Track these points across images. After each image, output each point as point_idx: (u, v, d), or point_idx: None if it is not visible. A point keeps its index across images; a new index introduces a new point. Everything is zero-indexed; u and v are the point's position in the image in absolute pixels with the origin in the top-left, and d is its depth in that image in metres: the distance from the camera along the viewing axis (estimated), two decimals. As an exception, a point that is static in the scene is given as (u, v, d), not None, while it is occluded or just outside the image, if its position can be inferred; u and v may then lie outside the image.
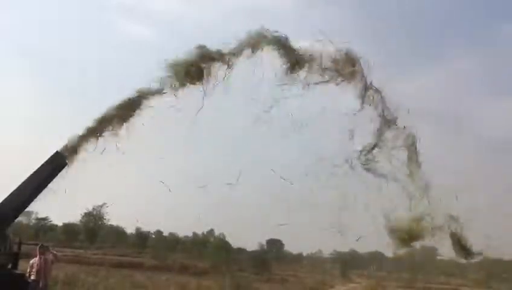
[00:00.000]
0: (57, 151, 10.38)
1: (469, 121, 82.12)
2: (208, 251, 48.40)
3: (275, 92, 9.60)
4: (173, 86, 9.96)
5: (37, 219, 57.71)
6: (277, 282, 34.02)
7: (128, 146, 10.41)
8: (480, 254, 9.24)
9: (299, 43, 9.69)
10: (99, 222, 56.39)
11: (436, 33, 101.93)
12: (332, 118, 9.67)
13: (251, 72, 9.59)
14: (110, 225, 56.94)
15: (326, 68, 9.55)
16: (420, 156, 9.29)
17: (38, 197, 10.37)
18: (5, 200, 10.10)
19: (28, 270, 11.26)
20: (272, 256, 53.77)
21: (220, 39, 9.81)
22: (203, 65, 9.84)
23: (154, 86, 10.07)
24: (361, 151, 9.50)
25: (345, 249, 57.48)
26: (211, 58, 9.85)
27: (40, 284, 11.14)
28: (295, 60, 9.61)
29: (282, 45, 9.65)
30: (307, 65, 9.62)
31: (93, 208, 54.92)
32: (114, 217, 58.55)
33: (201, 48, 9.84)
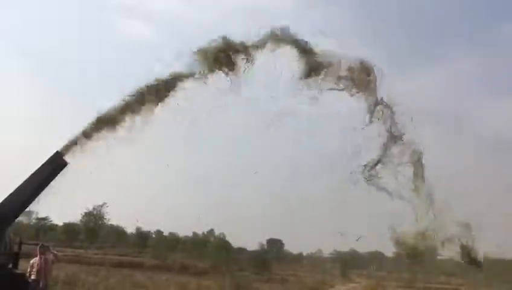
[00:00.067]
0: (57, 151, 10.39)
1: (469, 121, 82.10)
2: (208, 251, 48.39)
3: (289, 93, 9.71)
4: (202, 71, 9.97)
5: (38, 218, 57.74)
6: (277, 282, 34.02)
7: (139, 141, 10.42)
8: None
9: (319, 46, 9.72)
10: (100, 222, 56.40)
11: (436, 33, 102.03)
12: (341, 125, 9.70)
13: (270, 69, 9.71)
14: (111, 224, 57.03)
15: (342, 76, 9.64)
16: (425, 172, 9.35)
17: (38, 197, 10.38)
18: (6, 200, 10.11)
19: (29, 270, 11.26)
20: (272, 256, 53.76)
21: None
22: (231, 54, 9.89)
23: (185, 70, 10.05)
24: (365, 166, 9.55)
25: (345, 248, 57.61)
26: (236, 49, 9.88)
27: (41, 284, 11.14)
28: (313, 66, 9.67)
29: (303, 49, 9.71)
30: (324, 71, 9.68)
31: (94, 208, 55.05)
32: (114, 217, 58.71)
33: (225, 38, 9.86)
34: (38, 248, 11.65)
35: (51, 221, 59.49)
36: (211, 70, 9.93)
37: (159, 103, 10.10)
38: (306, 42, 9.69)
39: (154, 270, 33.05)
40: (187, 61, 9.94)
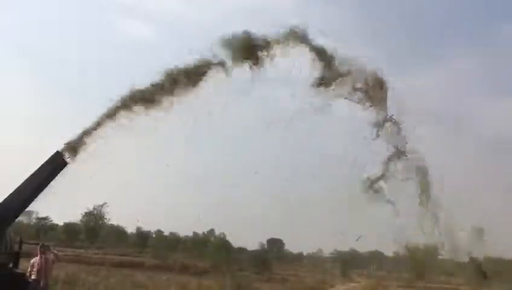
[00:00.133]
0: (57, 151, 10.40)
1: (469, 121, 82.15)
2: (208, 251, 48.38)
3: (301, 95, 9.70)
4: (228, 63, 9.96)
5: (38, 218, 57.88)
6: (277, 282, 34.02)
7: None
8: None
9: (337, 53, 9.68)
10: (100, 222, 56.45)
11: (436, 33, 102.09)
12: (345, 130, 9.69)
13: (284, 68, 9.71)
14: (111, 224, 57.08)
15: (357, 88, 9.64)
16: (432, 188, 9.33)
17: (38, 196, 10.39)
18: (6, 199, 10.12)
19: (29, 270, 11.27)
20: (272, 256, 53.77)
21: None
22: (256, 48, 9.89)
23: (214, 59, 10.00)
24: (367, 179, 9.55)
25: (345, 248, 57.64)
26: (259, 44, 9.87)
27: (41, 284, 11.15)
28: (329, 75, 9.67)
29: (321, 54, 9.69)
30: (339, 80, 9.67)
31: (94, 208, 55.10)
32: (114, 217, 58.73)
33: (248, 32, 9.84)
34: (38, 247, 11.66)
35: (51, 221, 59.69)
36: (237, 62, 9.92)
37: (191, 87, 10.08)
38: (325, 48, 9.67)
39: (155, 270, 33.07)
40: (212, 51, 9.92)
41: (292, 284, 32.51)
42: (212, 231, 61.16)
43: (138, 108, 10.18)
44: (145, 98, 10.11)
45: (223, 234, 57.04)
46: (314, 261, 63.64)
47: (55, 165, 10.32)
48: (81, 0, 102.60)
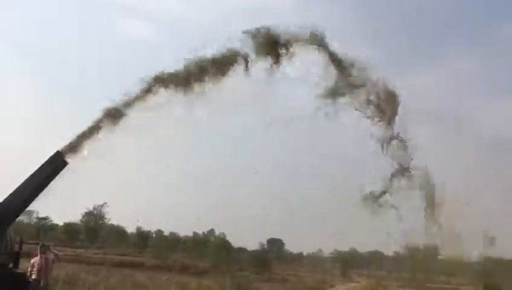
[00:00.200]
0: (57, 151, 10.40)
1: (469, 121, 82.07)
2: (208, 251, 48.40)
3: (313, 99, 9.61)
4: (252, 57, 9.90)
5: (38, 218, 57.88)
6: (277, 282, 34.01)
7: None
8: None
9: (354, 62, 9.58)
10: (100, 222, 56.47)
11: (436, 33, 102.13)
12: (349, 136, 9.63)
13: (297, 69, 9.69)
14: (111, 224, 57.11)
15: (370, 101, 9.58)
16: (438, 202, 9.28)
17: (39, 196, 10.39)
18: (6, 199, 10.12)
19: (29, 270, 11.26)
20: (272, 256, 53.80)
21: (220, 39, 9.85)
22: (277, 45, 9.81)
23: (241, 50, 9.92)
24: (370, 194, 9.52)
25: (345, 248, 57.70)
26: (281, 42, 9.80)
27: (41, 284, 11.14)
28: (344, 86, 9.60)
29: (340, 64, 9.60)
30: (354, 92, 9.62)
31: (94, 208, 55.12)
32: (115, 217, 58.76)
33: (270, 28, 9.75)
34: (38, 247, 11.65)
35: (51, 221, 59.72)
36: (260, 57, 9.85)
37: (220, 77, 10.01)
38: (343, 56, 9.60)
39: (155, 270, 33.07)
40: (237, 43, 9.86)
41: (292, 284, 32.50)
42: (212, 231, 61.25)
43: (164, 91, 10.10)
44: (173, 81, 10.03)
45: (223, 234, 57.17)
46: (314, 261, 63.65)
47: (55, 165, 10.32)
48: (81, 0, 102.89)
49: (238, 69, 10.01)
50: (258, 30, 9.73)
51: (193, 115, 10.17)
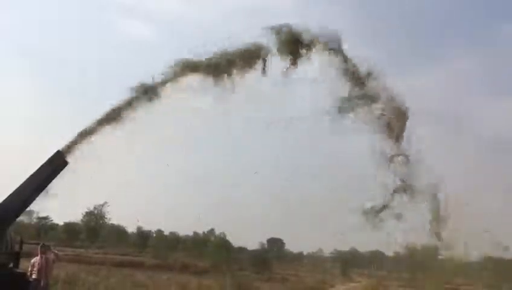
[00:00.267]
0: (58, 151, 10.40)
1: (469, 121, 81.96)
2: (208, 250, 48.41)
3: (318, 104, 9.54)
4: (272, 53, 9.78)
5: (38, 218, 57.82)
6: (278, 281, 34.01)
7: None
8: None
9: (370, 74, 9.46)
10: (100, 221, 56.49)
11: (436, 33, 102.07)
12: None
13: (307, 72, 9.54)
14: (111, 224, 57.12)
15: (381, 117, 9.48)
16: (444, 215, 9.23)
17: (39, 196, 10.40)
18: (6, 199, 10.13)
19: (29, 270, 11.27)
20: (272, 255, 53.82)
21: (220, 39, 9.80)
22: (300, 44, 9.69)
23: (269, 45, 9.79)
24: (371, 209, 9.49)
25: (345, 248, 57.66)
26: (303, 42, 9.66)
27: (41, 283, 11.15)
28: (359, 97, 9.48)
29: (355, 75, 9.47)
30: (366, 105, 9.50)
31: (94, 208, 55.15)
32: (115, 217, 58.77)
33: (291, 26, 9.61)
34: (39, 247, 11.66)
35: (51, 220, 59.71)
36: (282, 54, 9.71)
37: (248, 69, 9.92)
38: (359, 68, 9.47)
39: (155, 269, 33.08)
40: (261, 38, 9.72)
41: (292, 284, 32.50)
42: (212, 230, 61.25)
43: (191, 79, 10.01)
44: (203, 69, 9.93)
45: (223, 233, 57.14)
46: (315, 260, 63.63)
47: (55, 165, 10.32)
48: (81, 0, 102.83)
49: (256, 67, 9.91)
50: (282, 27, 9.59)
51: (213, 108, 10.02)
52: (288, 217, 64.75)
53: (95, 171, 10.78)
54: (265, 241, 64.98)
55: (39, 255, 11.40)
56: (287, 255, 66.06)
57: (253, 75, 9.98)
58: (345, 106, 9.52)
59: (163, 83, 10.11)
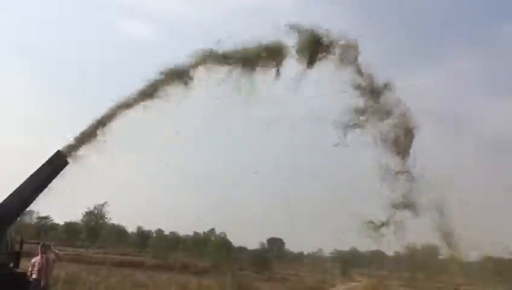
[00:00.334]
0: (58, 151, 10.41)
1: (469, 121, 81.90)
2: (208, 250, 48.45)
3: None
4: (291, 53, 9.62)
5: (39, 218, 57.90)
6: (278, 281, 34.01)
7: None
8: None
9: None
10: (101, 221, 56.53)
11: (436, 33, 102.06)
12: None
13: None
14: (111, 224, 57.16)
15: (389, 132, 9.35)
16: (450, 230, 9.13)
17: (39, 196, 10.40)
18: (7, 199, 10.13)
19: (30, 269, 11.27)
20: (272, 255, 53.84)
21: (219, 39, 9.75)
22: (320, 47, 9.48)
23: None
24: (371, 223, 9.46)
25: (345, 248, 57.64)
26: (324, 44, 9.47)
27: (42, 283, 11.15)
28: (371, 111, 9.32)
29: (370, 88, 9.31)
30: (380, 119, 9.34)
31: (95, 207, 55.19)
32: (115, 216, 58.78)
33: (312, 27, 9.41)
34: (39, 247, 11.66)
35: (52, 220, 59.78)
36: (301, 55, 9.52)
37: (275, 66, 9.72)
38: (375, 81, 9.30)
39: (155, 269, 33.08)
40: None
41: (292, 284, 32.50)
42: (212, 230, 61.26)
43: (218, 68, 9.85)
44: (230, 60, 9.75)
45: (224, 233, 57.17)
46: (315, 260, 63.64)
47: (55, 165, 10.33)
48: (81, 0, 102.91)
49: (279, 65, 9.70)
50: (303, 27, 9.39)
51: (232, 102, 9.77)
52: (289, 217, 64.76)
53: (95, 170, 10.78)
54: (265, 241, 65.09)
55: (39, 255, 11.40)
56: (287, 255, 66.08)
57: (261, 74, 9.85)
58: (354, 119, 9.37)
59: (196, 65, 9.87)
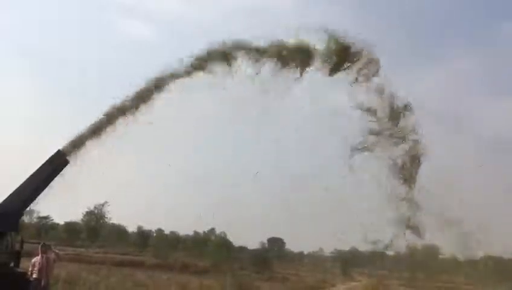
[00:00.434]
0: (58, 150, 10.42)
1: (469, 121, 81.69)
2: (209, 250, 48.44)
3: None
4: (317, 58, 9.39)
5: (39, 217, 57.90)
6: (278, 281, 34.00)
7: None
8: None
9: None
10: (101, 221, 56.54)
11: (436, 33, 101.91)
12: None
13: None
14: (112, 223, 57.16)
15: (398, 157, 9.13)
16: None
17: (40, 195, 10.41)
18: (7, 199, 10.15)
19: (30, 269, 11.28)
20: (273, 255, 53.81)
21: (219, 39, 9.73)
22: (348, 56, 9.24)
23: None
24: (376, 242, 9.48)
25: (345, 247, 57.61)
26: (352, 53, 9.25)
27: (42, 283, 11.16)
28: (388, 135, 9.04)
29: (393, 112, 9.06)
30: (394, 144, 9.09)
31: (95, 207, 55.19)
32: (115, 216, 58.79)
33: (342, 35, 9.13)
34: (39, 246, 11.66)
35: (52, 220, 59.79)
36: (328, 60, 9.29)
37: (303, 68, 9.53)
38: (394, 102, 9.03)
39: (155, 269, 33.09)
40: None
41: (293, 284, 32.49)
42: (212, 230, 61.24)
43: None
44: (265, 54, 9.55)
45: (224, 233, 57.14)
46: (315, 260, 63.63)
47: (55, 165, 10.34)
48: (81, 0, 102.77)
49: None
50: (334, 32, 9.17)
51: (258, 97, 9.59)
52: (289, 216, 64.73)
53: (95, 170, 10.80)
54: (265, 241, 64.98)
55: (40, 255, 11.40)
56: (288, 254, 66.04)
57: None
58: (364, 142, 9.16)
59: (238, 48, 9.73)
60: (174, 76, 9.88)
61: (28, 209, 11.63)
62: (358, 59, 9.20)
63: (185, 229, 60.31)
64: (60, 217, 58.17)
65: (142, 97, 10.12)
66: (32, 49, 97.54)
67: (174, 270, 33.56)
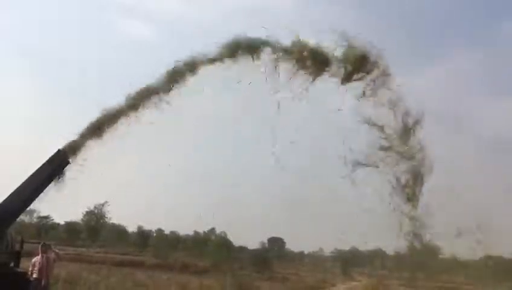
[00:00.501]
0: (58, 150, 10.42)
1: (469, 121, 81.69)
2: (209, 250, 48.44)
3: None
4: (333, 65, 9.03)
5: (39, 217, 57.94)
6: (278, 281, 33.98)
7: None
8: None
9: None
10: (101, 221, 56.57)
11: (436, 33, 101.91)
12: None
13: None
14: (112, 223, 57.19)
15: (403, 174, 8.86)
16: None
17: (40, 196, 10.41)
18: (6, 199, 10.15)
19: (30, 269, 11.29)
20: (273, 255, 53.81)
21: (219, 39, 9.70)
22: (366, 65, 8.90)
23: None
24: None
25: (345, 247, 57.66)
26: (369, 63, 8.88)
27: (42, 283, 11.17)
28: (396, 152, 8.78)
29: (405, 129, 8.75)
30: (402, 162, 8.82)
31: (95, 207, 55.23)
32: (115, 216, 58.85)
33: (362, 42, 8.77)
34: (40, 246, 11.69)
35: (52, 220, 59.89)
36: (343, 68, 8.93)
37: (318, 72, 9.17)
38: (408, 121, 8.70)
39: (155, 269, 33.08)
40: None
41: (293, 283, 32.48)
42: (212, 229, 61.25)
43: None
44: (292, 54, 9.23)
45: (224, 233, 57.15)
46: (315, 260, 63.65)
47: (56, 165, 10.34)
48: (81, 0, 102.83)
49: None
50: (355, 38, 8.78)
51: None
52: (289, 216, 64.78)
53: (96, 170, 10.80)
54: (266, 241, 65.02)
55: (40, 255, 11.42)
56: (288, 254, 66.05)
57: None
58: (369, 158, 8.87)
59: (266, 44, 9.45)
60: (205, 60, 9.72)
61: (28, 208, 11.62)
62: (373, 70, 8.90)
63: (185, 229, 60.44)
64: (60, 217, 58.34)
65: (174, 79, 9.93)
66: (32, 49, 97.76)
67: (174, 270, 33.55)
